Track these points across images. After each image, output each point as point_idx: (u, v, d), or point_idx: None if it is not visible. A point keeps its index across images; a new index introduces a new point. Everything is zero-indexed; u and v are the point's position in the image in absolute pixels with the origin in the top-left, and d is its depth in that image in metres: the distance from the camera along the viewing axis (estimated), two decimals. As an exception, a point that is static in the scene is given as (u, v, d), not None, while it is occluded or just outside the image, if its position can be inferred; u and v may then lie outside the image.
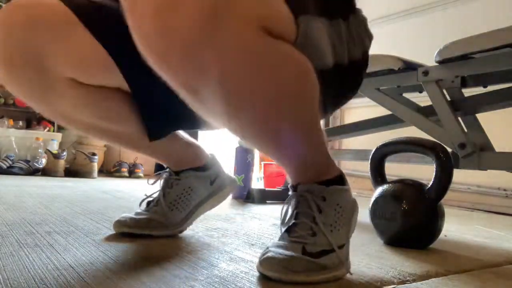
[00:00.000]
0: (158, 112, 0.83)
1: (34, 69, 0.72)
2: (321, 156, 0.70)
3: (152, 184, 0.96)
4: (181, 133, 0.95)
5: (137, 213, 0.90)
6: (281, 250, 0.62)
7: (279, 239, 0.67)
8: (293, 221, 0.67)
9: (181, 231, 0.91)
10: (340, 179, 0.70)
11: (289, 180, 0.72)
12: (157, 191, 0.93)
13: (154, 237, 0.86)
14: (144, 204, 0.93)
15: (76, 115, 0.80)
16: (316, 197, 0.67)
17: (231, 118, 0.60)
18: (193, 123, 0.87)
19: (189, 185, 0.92)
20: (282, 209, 0.70)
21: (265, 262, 0.61)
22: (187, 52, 0.49)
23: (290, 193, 0.71)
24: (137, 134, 0.86)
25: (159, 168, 3.39)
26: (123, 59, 0.74)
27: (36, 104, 0.78)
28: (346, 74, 0.73)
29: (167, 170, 0.94)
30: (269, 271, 0.61)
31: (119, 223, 0.87)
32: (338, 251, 0.64)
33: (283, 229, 0.68)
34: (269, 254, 0.62)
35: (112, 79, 0.77)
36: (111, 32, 0.70)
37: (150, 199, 0.93)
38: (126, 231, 0.86)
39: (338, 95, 0.78)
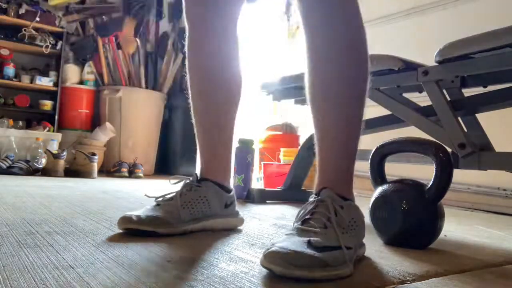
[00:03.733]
0: None
1: None
2: (351, 169, 0.81)
3: (174, 184, 0.99)
4: (231, 146, 1.04)
5: (145, 209, 0.91)
6: (285, 244, 0.63)
7: (290, 230, 0.71)
8: (308, 216, 0.72)
9: (185, 231, 0.91)
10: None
11: (315, 187, 0.79)
12: (172, 192, 0.95)
13: (158, 234, 0.86)
14: (154, 202, 0.94)
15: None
16: (335, 203, 0.73)
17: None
18: None
19: (206, 195, 0.96)
20: (300, 210, 0.75)
21: (269, 256, 0.62)
22: None
23: (311, 198, 0.76)
24: (232, 107, 1.03)
25: (159, 168, 3.39)
26: None
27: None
28: None
29: (192, 177, 0.98)
30: (272, 264, 0.61)
31: (124, 220, 0.87)
32: (344, 249, 0.65)
33: (296, 224, 0.72)
34: (273, 249, 0.63)
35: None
36: None
37: (168, 197, 0.95)
38: (131, 227, 0.86)
39: None
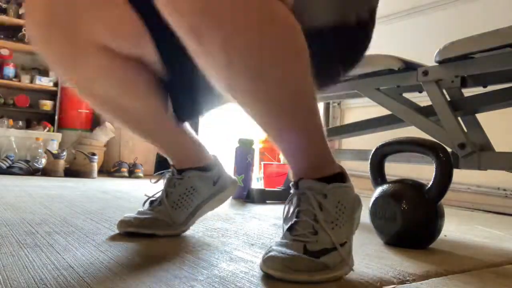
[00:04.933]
0: (185, 92, 0.86)
1: (70, 32, 0.76)
2: (321, 146, 0.70)
3: (155, 183, 0.96)
4: (189, 130, 0.95)
5: (140, 213, 0.90)
6: (283, 249, 0.63)
7: (282, 238, 0.67)
8: (294, 219, 0.67)
9: (184, 231, 0.92)
10: (341, 176, 0.71)
11: (291, 177, 0.72)
12: (159, 191, 0.93)
13: (158, 236, 0.86)
14: (147, 204, 0.93)
15: (98, 86, 0.82)
16: (317, 194, 0.67)
17: (228, 75, 0.60)
18: (212, 101, 0.89)
19: (192, 185, 0.92)
20: (284, 207, 0.71)
21: (268, 261, 0.62)
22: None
23: (291, 191, 0.71)
24: (154, 115, 0.88)
25: (159, 168, 3.40)
26: (155, 29, 0.77)
27: (62, 69, 0.81)
28: (353, 33, 0.75)
29: (170, 170, 0.95)
30: (271, 269, 0.61)
31: (123, 223, 0.87)
32: (340, 249, 0.64)
33: (285, 227, 0.68)
34: (272, 253, 0.62)
35: (142, 48, 0.80)
36: (147, 3, 0.67)
37: (153, 198, 0.94)
38: (131, 230, 0.86)
39: (346, 57, 0.80)
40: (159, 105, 0.88)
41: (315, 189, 0.67)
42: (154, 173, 3.28)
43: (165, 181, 0.94)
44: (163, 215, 0.89)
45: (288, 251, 0.62)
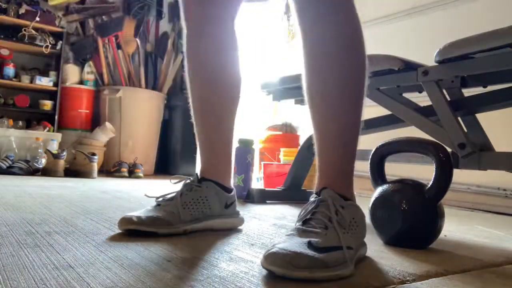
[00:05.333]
0: None
1: None
2: (350, 169, 0.80)
3: (175, 183, 0.99)
4: (232, 149, 1.04)
5: (143, 211, 0.91)
6: (286, 245, 0.63)
7: (290, 230, 0.71)
8: (309, 216, 0.72)
9: (185, 231, 0.91)
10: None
11: (315, 188, 0.79)
12: (171, 192, 0.95)
13: (159, 235, 0.86)
14: (155, 202, 0.94)
15: (209, 32, 0.98)
16: (336, 204, 0.72)
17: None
18: None
19: (206, 195, 0.96)
20: (301, 210, 0.75)
21: (269, 257, 0.62)
22: None
23: (312, 198, 0.76)
24: (230, 109, 1.02)
25: (159, 168, 3.39)
26: None
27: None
28: None
29: (192, 177, 0.98)
30: (272, 266, 0.61)
31: (124, 220, 0.87)
32: (345, 249, 0.65)
33: (298, 224, 0.72)
34: (274, 250, 0.63)
35: None
36: None
37: (168, 197, 0.95)
38: (132, 228, 0.86)
39: None
40: (238, 102, 1.03)
41: (336, 199, 0.73)
42: (154, 173, 3.27)
43: (183, 183, 0.97)
44: (167, 213, 0.89)
45: (291, 247, 0.63)
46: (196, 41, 0.99)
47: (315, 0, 0.78)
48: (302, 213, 0.74)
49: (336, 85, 0.79)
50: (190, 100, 1.03)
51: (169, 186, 1.00)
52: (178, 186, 0.97)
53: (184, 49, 1.02)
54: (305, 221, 0.71)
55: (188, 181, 0.97)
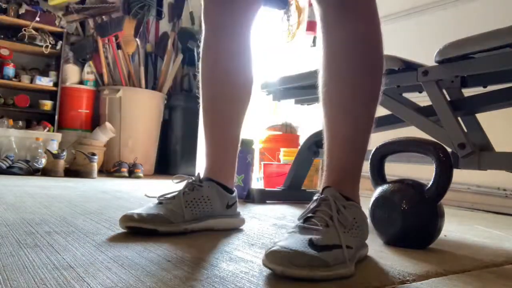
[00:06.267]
0: None
1: None
2: (358, 170, 0.81)
3: (177, 183, 0.99)
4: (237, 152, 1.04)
5: (144, 208, 0.91)
6: (287, 243, 0.64)
7: (292, 228, 0.71)
8: (310, 214, 0.72)
9: (186, 230, 0.91)
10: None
11: (320, 186, 0.80)
12: (173, 191, 0.95)
13: (159, 233, 0.86)
14: (156, 200, 0.95)
15: (226, 39, 1.01)
16: (338, 203, 0.73)
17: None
18: None
19: (208, 195, 0.96)
20: (306, 208, 0.75)
21: (270, 255, 0.62)
22: None
23: (315, 197, 0.76)
24: (240, 115, 1.04)
25: (159, 168, 3.38)
26: None
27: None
28: None
29: (194, 177, 0.99)
30: (273, 264, 0.61)
31: (125, 218, 0.88)
32: (345, 248, 0.65)
33: (299, 222, 0.72)
34: (275, 248, 0.63)
35: None
36: None
37: (169, 196, 0.95)
38: (132, 225, 0.86)
39: None
40: (246, 109, 1.04)
41: (338, 198, 0.74)
42: (154, 173, 3.27)
43: (185, 183, 0.97)
44: (169, 211, 0.90)
45: (292, 245, 0.63)
46: (214, 44, 1.02)
47: (338, 3, 0.79)
48: (304, 211, 0.75)
49: (353, 88, 0.80)
50: (201, 100, 1.04)
51: (170, 186, 1.00)
52: (180, 186, 0.98)
53: (201, 49, 1.04)
54: (306, 219, 0.72)
55: (191, 180, 0.97)
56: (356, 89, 0.80)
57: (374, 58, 0.82)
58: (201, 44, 1.04)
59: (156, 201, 0.94)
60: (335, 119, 0.82)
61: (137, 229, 0.87)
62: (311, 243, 0.64)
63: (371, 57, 0.81)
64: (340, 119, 0.81)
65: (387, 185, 0.99)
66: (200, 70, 1.04)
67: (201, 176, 1.00)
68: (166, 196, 0.95)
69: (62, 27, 3.36)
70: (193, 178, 0.98)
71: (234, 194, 1.03)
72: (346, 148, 0.81)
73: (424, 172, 1.39)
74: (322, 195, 0.75)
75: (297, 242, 0.64)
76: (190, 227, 0.92)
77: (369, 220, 0.99)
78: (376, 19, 0.81)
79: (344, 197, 0.75)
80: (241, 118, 1.05)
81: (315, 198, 0.76)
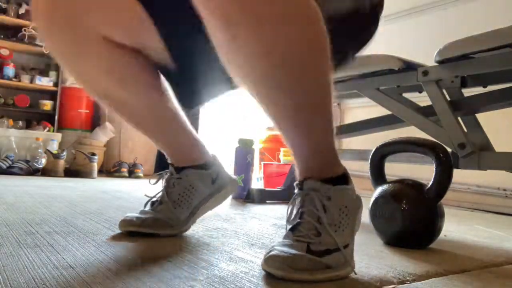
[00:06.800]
0: (191, 79, 0.87)
1: (71, 20, 0.78)
2: (329, 145, 0.69)
3: (154, 184, 0.96)
4: (189, 127, 0.95)
5: (142, 212, 0.90)
6: (285, 249, 0.63)
7: (284, 238, 0.67)
8: (297, 220, 0.67)
9: (185, 230, 0.92)
10: (345, 178, 0.70)
11: (296, 177, 0.72)
12: (159, 192, 0.93)
13: (159, 236, 0.86)
14: (148, 205, 0.93)
15: (99, 78, 0.85)
16: (321, 196, 0.66)
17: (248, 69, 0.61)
18: (220, 87, 0.90)
19: (190, 184, 0.92)
20: (288, 208, 0.70)
21: (270, 260, 0.62)
22: None
23: (295, 191, 0.70)
24: (154, 111, 0.90)
25: (159, 168, 3.39)
26: (159, 16, 0.78)
27: (66, 62, 0.85)
28: (367, 17, 0.81)
29: (168, 170, 0.95)
30: (273, 268, 0.61)
31: (125, 222, 0.87)
32: (343, 250, 0.64)
33: (288, 228, 0.68)
34: (274, 252, 0.62)
35: (144, 38, 0.82)
36: None
37: (154, 199, 0.93)
38: (132, 229, 0.86)
39: (360, 38, 0.85)
40: (160, 100, 0.89)
41: (320, 191, 0.67)
42: (154, 173, 3.27)
43: (164, 181, 0.94)
44: (164, 215, 0.89)
45: (290, 250, 0.62)
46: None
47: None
48: (289, 213, 0.70)
49: (289, 46, 0.59)
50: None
51: (151, 188, 0.97)
52: (160, 185, 0.95)
53: None
54: (294, 228, 0.66)
55: (167, 175, 0.94)
56: (293, 47, 0.59)
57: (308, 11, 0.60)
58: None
59: (149, 206, 0.92)
60: (276, 95, 0.64)
61: (137, 234, 0.86)
62: (309, 250, 0.62)
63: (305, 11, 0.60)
64: (282, 93, 0.63)
65: (387, 185, 0.99)
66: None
67: (174, 166, 0.94)
68: (153, 200, 0.93)
69: (62, 27, 3.36)
70: (168, 173, 0.94)
71: (212, 165, 0.96)
72: (304, 127, 0.67)
73: (424, 172, 1.39)
74: (303, 190, 0.68)
75: (295, 246, 0.63)
76: (190, 224, 0.92)
77: (369, 220, 0.99)
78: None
79: (329, 180, 0.67)
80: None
81: (296, 192, 0.70)
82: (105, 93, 0.87)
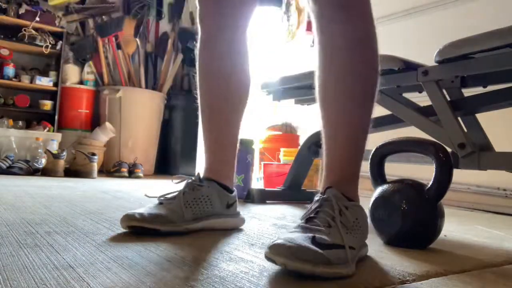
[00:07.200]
0: None
1: None
2: (357, 170, 0.81)
3: (176, 183, 0.99)
4: (236, 151, 1.04)
5: (146, 208, 0.91)
6: (291, 237, 0.64)
7: (294, 227, 0.70)
8: (313, 215, 0.72)
9: (187, 230, 0.91)
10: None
11: (321, 188, 0.80)
12: (173, 191, 0.95)
13: (160, 232, 0.86)
14: (156, 201, 0.95)
15: (222, 39, 1.01)
16: (340, 204, 0.73)
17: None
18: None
19: (208, 195, 0.96)
20: (307, 210, 0.75)
21: (273, 247, 0.62)
22: None
23: (316, 197, 0.76)
24: (234, 110, 1.04)
25: (159, 168, 3.38)
26: None
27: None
28: None
29: (194, 177, 0.99)
30: (276, 256, 0.61)
31: (126, 217, 0.87)
32: (347, 249, 0.65)
33: (301, 222, 0.72)
34: (279, 241, 0.63)
35: None
36: None
37: (168, 196, 0.95)
38: (134, 224, 0.86)
39: None
40: (242, 103, 1.04)
41: (340, 199, 0.73)
42: (154, 173, 3.27)
43: (185, 182, 0.97)
44: (170, 211, 0.90)
45: (296, 240, 0.63)
46: (210, 45, 1.02)
47: (334, 3, 0.79)
48: (306, 212, 0.74)
49: (350, 89, 0.80)
50: (199, 100, 1.05)
51: (170, 186, 1.00)
52: (180, 186, 0.98)
53: (197, 47, 1.04)
54: (308, 219, 0.71)
55: (190, 180, 0.97)
56: (352, 90, 0.80)
57: (370, 58, 0.81)
58: (198, 45, 1.04)
59: (156, 201, 0.94)
60: (333, 120, 0.82)
61: (139, 229, 0.87)
62: (314, 241, 0.64)
63: (367, 57, 0.81)
64: (337, 120, 0.81)
65: (387, 185, 0.99)
66: (197, 71, 1.05)
67: (201, 176, 1.00)
68: (167, 196, 0.95)
69: (62, 27, 3.36)
70: (193, 178, 0.98)
71: (234, 193, 1.03)
72: (345, 149, 0.81)
73: (424, 172, 1.39)
74: (324, 195, 0.75)
75: (301, 237, 0.64)
76: (191, 226, 0.92)
77: (369, 220, 0.99)
78: (371, 18, 0.81)
79: (346, 197, 0.75)
80: (239, 118, 1.05)
81: (316, 198, 0.76)
82: (213, 65, 1.03)
